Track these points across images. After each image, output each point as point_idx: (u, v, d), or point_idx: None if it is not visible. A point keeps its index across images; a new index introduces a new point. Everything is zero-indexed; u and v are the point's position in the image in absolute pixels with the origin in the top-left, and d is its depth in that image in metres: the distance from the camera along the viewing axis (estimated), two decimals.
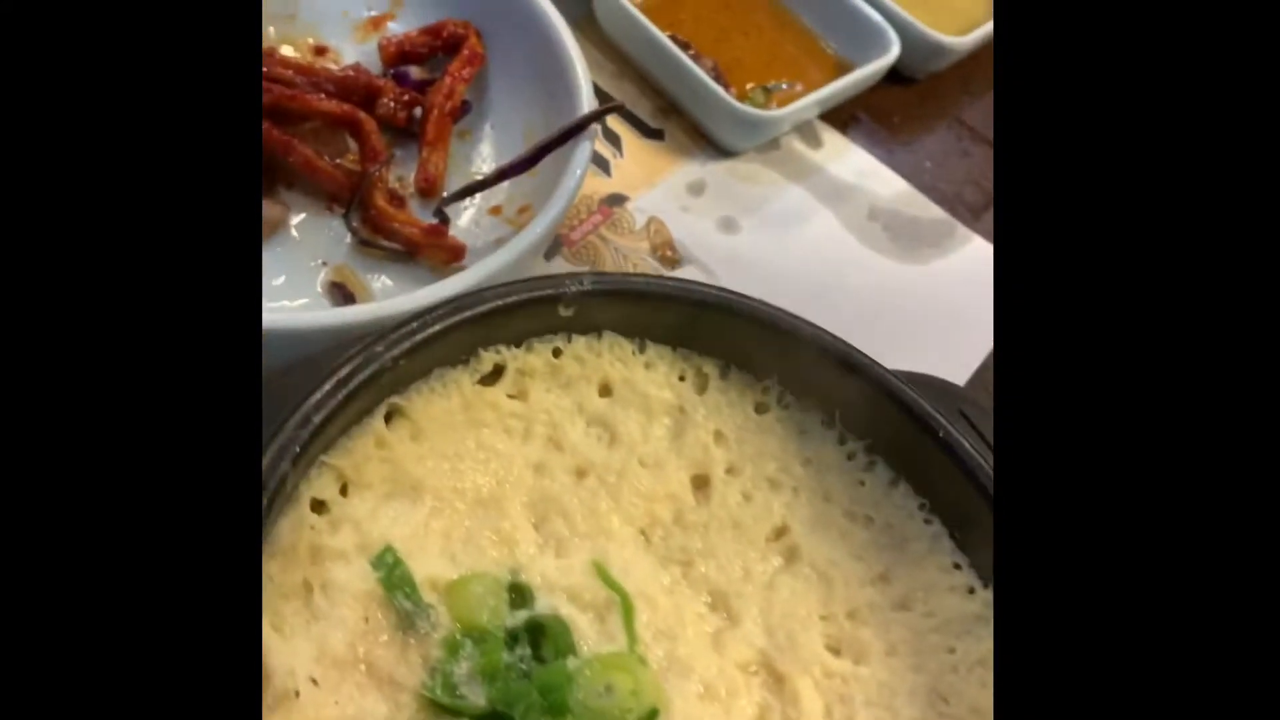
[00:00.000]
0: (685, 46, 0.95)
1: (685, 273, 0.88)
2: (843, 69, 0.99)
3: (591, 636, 0.52)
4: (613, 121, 0.95)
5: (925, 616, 0.57)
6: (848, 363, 0.59)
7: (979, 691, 0.54)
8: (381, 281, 0.76)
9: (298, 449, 0.48)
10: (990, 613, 0.56)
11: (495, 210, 0.82)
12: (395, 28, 0.89)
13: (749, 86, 0.97)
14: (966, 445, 0.57)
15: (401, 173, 0.82)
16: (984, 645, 0.55)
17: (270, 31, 0.86)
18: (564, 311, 0.58)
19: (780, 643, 0.55)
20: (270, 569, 0.49)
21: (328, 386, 0.50)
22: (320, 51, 0.87)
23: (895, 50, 0.97)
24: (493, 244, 0.78)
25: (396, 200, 0.79)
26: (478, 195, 0.81)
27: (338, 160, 0.80)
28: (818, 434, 0.61)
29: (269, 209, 0.75)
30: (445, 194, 0.80)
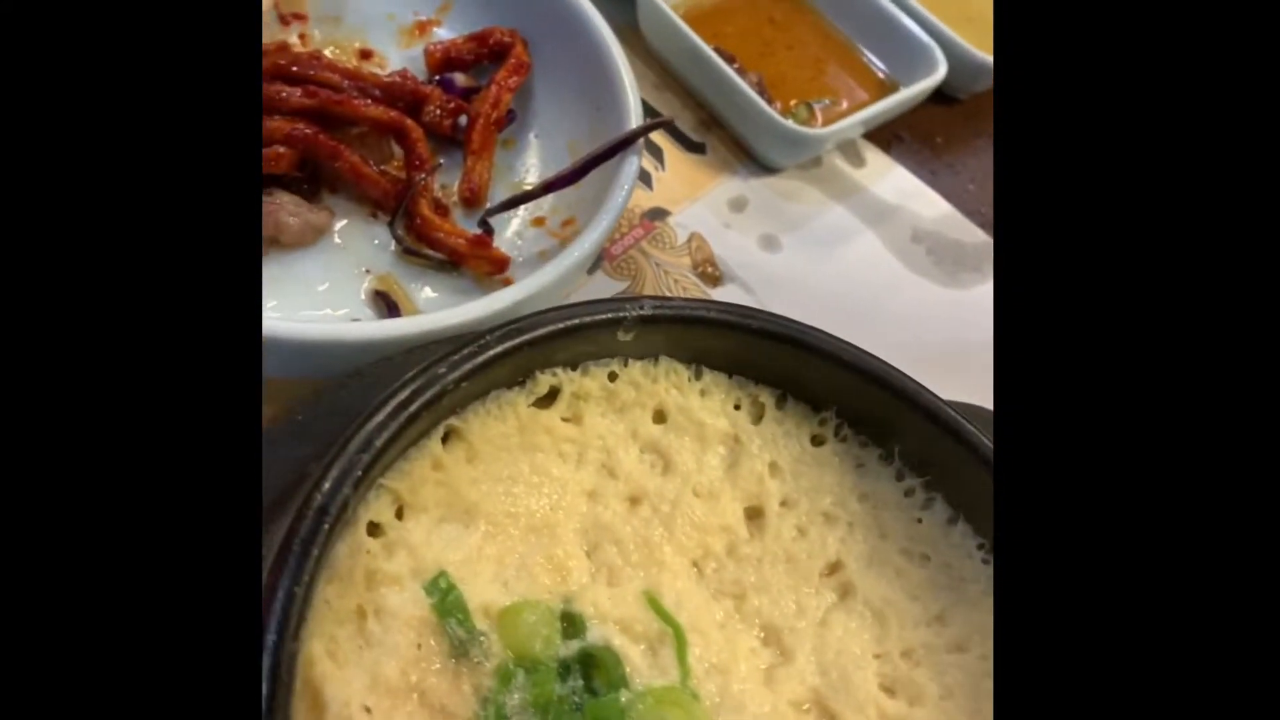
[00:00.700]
0: (730, 59, 0.94)
1: (726, 291, 0.87)
2: (888, 88, 0.98)
3: (643, 669, 0.52)
4: (655, 134, 0.94)
5: (981, 659, 0.56)
6: (910, 398, 0.57)
7: None
8: (425, 292, 0.75)
9: (359, 473, 0.47)
10: None
11: (538, 221, 0.81)
12: (441, 33, 0.88)
13: (792, 103, 0.96)
14: None
15: (445, 181, 0.81)
16: None
17: (315, 34, 0.85)
18: (623, 336, 0.57)
19: (834, 681, 0.54)
20: (327, 593, 0.48)
21: (389, 408, 0.49)
22: (365, 55, 0.86)
23: (942, 70, 0.96)
24: (536, 256, 0.77)
25: (440, 209, 0.78)
26: (521, 206, 0.80)
27: (382, 167, 0.79)
28: (875, 469, 0.60)
29: (315, 214, 0.74)
30: (489, 204, 0.79)
